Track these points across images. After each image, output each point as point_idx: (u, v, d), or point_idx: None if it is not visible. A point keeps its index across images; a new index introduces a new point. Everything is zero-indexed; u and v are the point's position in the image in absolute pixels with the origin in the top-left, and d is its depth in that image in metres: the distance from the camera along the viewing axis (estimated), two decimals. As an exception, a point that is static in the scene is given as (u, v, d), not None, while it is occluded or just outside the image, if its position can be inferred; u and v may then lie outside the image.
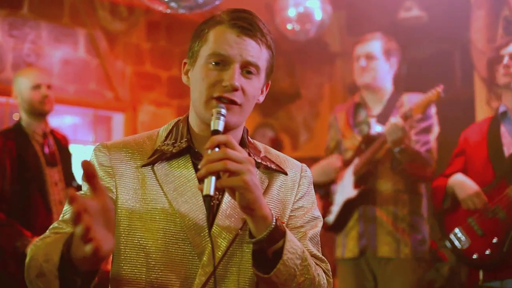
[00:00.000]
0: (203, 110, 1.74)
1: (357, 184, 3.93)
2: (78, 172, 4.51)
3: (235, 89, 1.70)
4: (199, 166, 1.57)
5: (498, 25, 4.75)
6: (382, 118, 3.96)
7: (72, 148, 4.62)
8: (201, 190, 1.56)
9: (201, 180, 1.59)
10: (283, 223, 1.72)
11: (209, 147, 1.57)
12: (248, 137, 1.89)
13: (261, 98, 1.86)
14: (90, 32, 6.36)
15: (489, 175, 3.58)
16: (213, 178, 1.55)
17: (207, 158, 1.54)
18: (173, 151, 1.78)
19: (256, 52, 1.74)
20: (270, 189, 1.82)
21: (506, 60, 3.59)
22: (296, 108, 7.39)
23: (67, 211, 1.74)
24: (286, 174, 1.87)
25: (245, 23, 1.74)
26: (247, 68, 1.73)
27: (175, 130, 1.84)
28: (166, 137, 1.83)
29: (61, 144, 4.36)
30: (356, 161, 3.96)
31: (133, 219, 1.72)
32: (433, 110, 3.94)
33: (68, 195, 1.32)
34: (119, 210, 1.73)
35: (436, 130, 3.94)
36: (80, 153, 6.32)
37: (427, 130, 3.91)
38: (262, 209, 1.59)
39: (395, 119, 3.72)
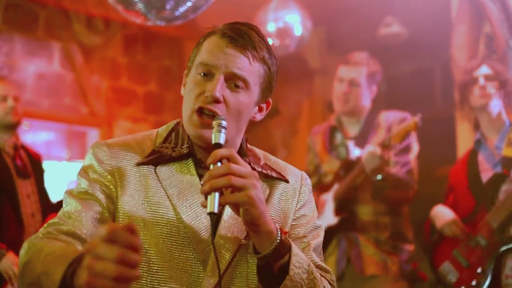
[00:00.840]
0: (186, 124, 1.71)
1: (337, 211, 3.86)
2: (51, 189, 4.46)
3: (215, 101, 1.65)
4: (201, 183, 1.53)
5: (479, 41, 4.71)
6: (360, 140, 3.92)
7: (46, 164, 4.58)
8: (205, 207, 1.50)
9: (203, 195, 1.53)
10: (286, 233, 1.69)
11: (211, 162, 1.53)
12: (247, 144, 1.85)
13: (259, 116, 1.82)
14: (66, 45, 6.30)
15: (470, 204, 3.59)
16: (217, 194, 1.49)
17: (210, 174, 1.50)
18: (173, 155, 1.72)
19: (245, 65, 1.68)
20: (271, 198, 1.77)
21: (482, 81, 3.58)
22: (274, 125, 7.31)
23: (71, 203, 1.65)
24: (287, 181, 1.82)
25: (236, 34, 1.69)
26: (234, 81, 1.68)
27: (175, 134, 1.79)
28: (165, 139, 1.78)
29: (33, 159, 4.32)
30: (336, 187, 3.90)
31: (135, 221, 1.64)
32: None
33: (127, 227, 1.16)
34: (120, 211, 1.66)
35: (415, 148, 3.89)
36: (54, 169, 6.22)
37: (406, 150, 3.85)
38: (267, 224, 1.55)
39: (372, 148, 3.67)
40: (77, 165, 7.01)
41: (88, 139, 6.74)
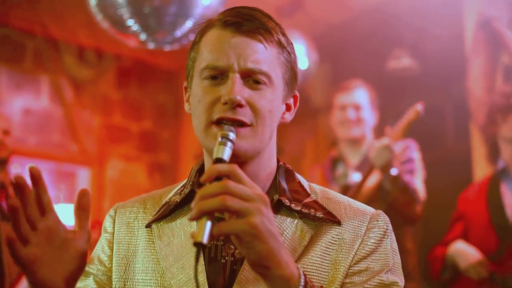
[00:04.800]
0: (203, 139, 1.40)
1: None
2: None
3: (238, 105, 1.34)
4: (191, 205, 1.16)
5: (496, 72, 4.54)
6: (361, 169, 3.73)
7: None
8: (193, 237, 1.15)
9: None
10: (321, 287, 1.27)
11: (205, 180, 1.18)
12: (296, 175, 1.48)
13: (289, 116, 1.47)
14: (55, 79, 6.21)
15: (492, 241, 3.34)
16: (209, 222, 1.14)
17: (201, 193, 1.15)
18: (177, 200, 1.46)
19: (261, 54, 1.36)
20: (315, 245, 1.35)
21: None
22: (277, 165, 7.09)
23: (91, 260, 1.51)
24: (339, 224, 1.39)
25: (240, 19, 1.36)
26: (253, 77, 1.35)
27: (190, 173, 1.53)
28: (184, 184, 1.52)
29: None
30: None
31: None
32: (416, 154, 3.72)
33: None
34: (114, 282, 1.46)
35: (420, 174, 3.69)
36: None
37: (409, 172, 3.65)
38: (282, 267, 1.15)
39: (380, 141, 3.48)
40: (67, 207, 6.71)
41: (78, 179, 6.59)
